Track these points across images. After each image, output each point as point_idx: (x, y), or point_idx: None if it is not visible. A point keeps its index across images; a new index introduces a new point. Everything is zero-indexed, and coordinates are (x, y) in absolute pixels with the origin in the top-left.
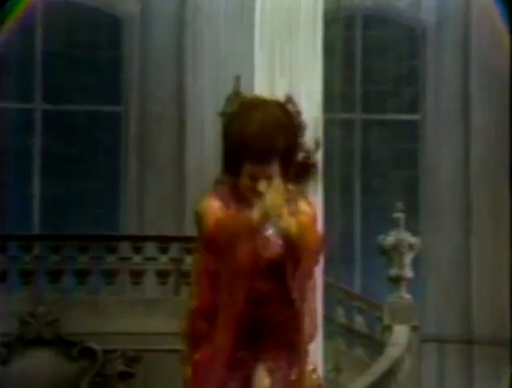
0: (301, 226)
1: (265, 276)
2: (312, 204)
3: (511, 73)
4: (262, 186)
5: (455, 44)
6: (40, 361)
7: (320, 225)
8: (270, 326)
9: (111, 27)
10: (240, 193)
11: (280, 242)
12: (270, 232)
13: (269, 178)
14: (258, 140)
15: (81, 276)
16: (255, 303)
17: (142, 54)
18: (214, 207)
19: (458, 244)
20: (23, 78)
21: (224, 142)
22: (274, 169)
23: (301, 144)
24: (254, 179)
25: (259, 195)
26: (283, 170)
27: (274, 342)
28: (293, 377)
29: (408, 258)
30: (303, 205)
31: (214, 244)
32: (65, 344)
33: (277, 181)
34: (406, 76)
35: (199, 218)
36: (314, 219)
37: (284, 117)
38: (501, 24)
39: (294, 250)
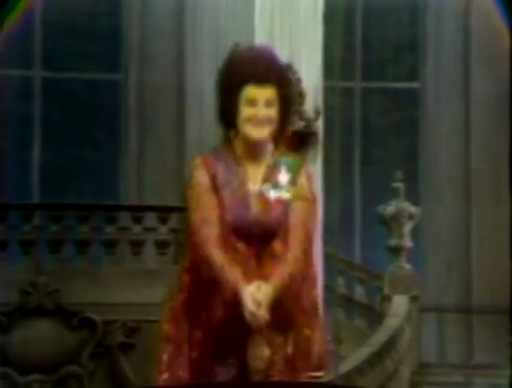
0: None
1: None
2: (312, 179)
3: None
4: (261, 112)
5: (455, 11)
6: (41, 331)
7: (319, 201)
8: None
9: None
10: (231, 155)
11: (280, 207)
12: (270, 195)
13: (267, 122)
14: (255, 61)
15: (82, 246)
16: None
17: (142, 22)
18: (206, 163)
19: (458, 214)
20: (23, 46)
21: (220, 83)
22: (274, 109)
23: (301, 112)
24: (254, 103)
25: (260, 122)
26: (281, 124)
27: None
28: (289, 350)
29: (408, 228)
30: (302, 179)
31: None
32: (65, 314)
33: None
34: (406, 44)
35: (188, 187)
36: (312, 198)
37: (278, 61)
38: None
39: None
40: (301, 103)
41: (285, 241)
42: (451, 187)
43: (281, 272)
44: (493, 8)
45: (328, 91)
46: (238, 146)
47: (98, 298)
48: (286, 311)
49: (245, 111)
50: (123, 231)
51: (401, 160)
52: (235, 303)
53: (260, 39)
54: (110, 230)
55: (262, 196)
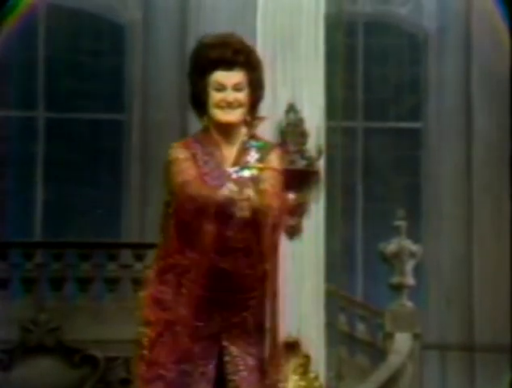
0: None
1: (236, 226)
2: (281, 157)
3: (511, 75)
4: (230, 96)
5: (456, 50)
6: (42, 369)
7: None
8: (236, 287)
9: (114, 34)
10: (208, 139)
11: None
12: (240, 175)
13: (236, 106)
14: (222, 45)
15: (83, 283)
16: (224, 253)
17: (144, 61)
18: (181, 155)
19: (459, 251)
20: (26, 86)
21: (190, 70)
22: (243, 93)
23: (303, 151)
24: (223, 88)
25: (230, 106)
26: (251, 107)
27: (239, 318)
28: (263, 356)
29: (409, 265)
30: (272, 156)
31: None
32: (66, 352)
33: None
34: (408, 83)
35: (167, 166)
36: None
37: (245, 44)
38: (503, 29)
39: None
40: (303, 143)
41: None
42: (453, 225)
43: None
44: (495, 45)
45: (330, 131)
46: (213, 129)
47: (99, 335)
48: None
49: (214, 96)
50: (125, 268)
51: (403, 198)
52: (222, 218)
53: None
54: (111, 268)
55: (232, 177)
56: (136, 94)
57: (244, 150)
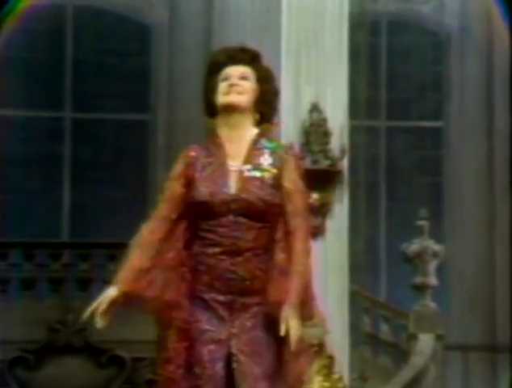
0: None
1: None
2: (300, 165)
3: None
4: (235, 80)
5: (479, 48)
6: (69, 369)
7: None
8: (247, 290)
9: (140, 35)
10: (213, 141)
11: (258, 183)
12: (250, 174)
13: (240, 90)
14: (230, 49)
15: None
16: (234, 255)
17: (170, 62)
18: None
19: (482, 251)
20: (52, 87)
21: (204, 78)
22: (249, 83)
23: (327, 151)
24: (229, 77)
25: (234, 88)
26: (259, 105)
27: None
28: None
29: (432, 265)
30: (291, 165)
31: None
32: (93, 352)
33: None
34: (430, 82)
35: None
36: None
37: (252, 49)
38: None
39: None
40: (327, 143)
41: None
42: (475, 225)
43: (295, 290)
44: None
45: (353, 130)
46: (220, 128)
47: (126, 336)
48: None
49: (221, 86)
50: None
51: (425, 198)
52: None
53: (286, 78)
54: None
55: (241, 174)
56: (162, 95)
57: (256, 150)
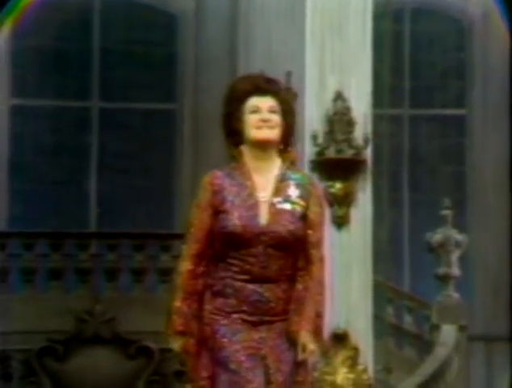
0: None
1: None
2: (322, 196)
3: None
4: (266, 116)
5: (501, 36)
6: (97, 360)
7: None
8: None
9: (166, 24)
10: (239, 171)
11: (288, 216)
12: (282, 206)
13: (272, 124)
14: (255, 78)
15: (138, 274)
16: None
17: (196, 51)
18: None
19: (505, 241)
20: (80, 76)
21: (225, 106)
22: (277, 116)
23: (350, 140)
24: (258, 110)
25: (266, 124)
26: (284, 137)
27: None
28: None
29: (455, 255)
30: (316, 199)
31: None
32: (122, 343)
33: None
34: (453, 69)
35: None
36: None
37: (275, 80)
38: None
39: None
40: (351, 132)
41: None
42: (498, 214)
43: (311, 318)
44: None
45: (376, 119)
46: (246, 157)
47: (154, 326)
48: None
49: (250, 118)
50: (177, 259)
51: (449, 187)
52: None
53: (310, 67)
54: (165, 258)
55: (272, 206)
56: (188, 84)
57: (283, 181)
